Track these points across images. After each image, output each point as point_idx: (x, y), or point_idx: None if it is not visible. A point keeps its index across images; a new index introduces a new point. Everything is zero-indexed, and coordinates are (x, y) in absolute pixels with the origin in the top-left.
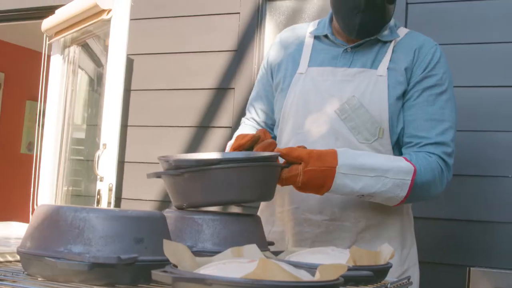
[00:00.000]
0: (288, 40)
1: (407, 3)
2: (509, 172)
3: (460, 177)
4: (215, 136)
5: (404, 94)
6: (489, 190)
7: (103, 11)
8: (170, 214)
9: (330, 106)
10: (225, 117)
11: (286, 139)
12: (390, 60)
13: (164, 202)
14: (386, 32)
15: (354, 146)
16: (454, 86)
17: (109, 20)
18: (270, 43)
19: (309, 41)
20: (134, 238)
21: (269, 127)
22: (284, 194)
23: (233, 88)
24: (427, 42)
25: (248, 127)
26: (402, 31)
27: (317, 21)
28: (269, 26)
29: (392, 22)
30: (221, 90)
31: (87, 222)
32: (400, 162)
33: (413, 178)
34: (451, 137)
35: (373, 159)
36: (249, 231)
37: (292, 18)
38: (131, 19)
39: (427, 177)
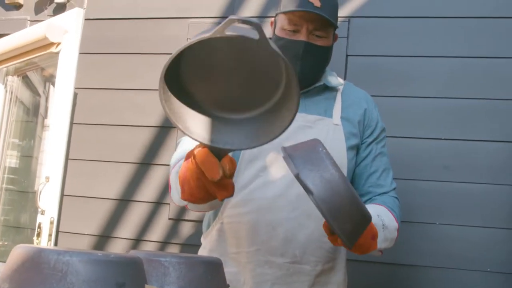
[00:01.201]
0: None
1: (347, 55)
2: (436, 220)
3: None
4: (156, 173)
5: (356, 146)
6: (417, 236)
7: (52, 44)
8: (136, 254)
9: None
10: (166, 155)
11: (245, 181)
12: (341, 111)
13: (102, 237)
14: (330, 78)
15: None
16: (388, 136)
17: (57, 53)
18: None
19: None
20: (117, 283)
21: None
22: (239, 235)
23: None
24: (368, 97)
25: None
26: (341, 81)
27: None
28: None
29: (331, 71)
30: (164, 128)
31: (70, 265)
32: None
33: (393, 214)
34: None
35: None
36: (213, 274)
37: None
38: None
39: (398, 212)
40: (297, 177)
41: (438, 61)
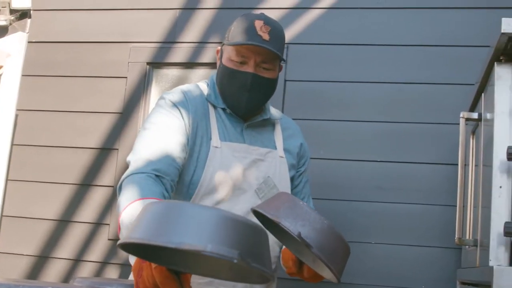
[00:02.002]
0: (196, 103)
1: (285, 80)
2: (372, 239)
3: None
4: (97, 194)
5: (293, 177)
6: (353, 255)
7: None
8: (80, 284)
9: (249, 185)
10: (107, 177)
11: None
12: (283, 142)
13: (41, 258)
14: (272, 111)
15: None
16: (325, 159)
17: None
18: None
19: (211, 109)
20: None
21: (173, 180)
22: None
23: (117, 149)
24: (299, 128)
25: (157, 187)
26: (276, 110)
27: (204, 83)
28: (155, 91)
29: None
30: (105, 150)
31: None
32: None
33: None
34: None
35: None
36: None
37: (177, 85)
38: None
39: None
40: (299, 236)
41: (373, 87)
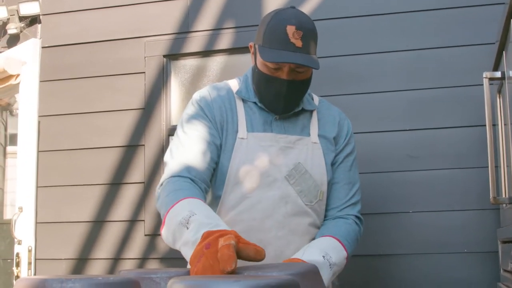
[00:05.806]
0: (221, 99)
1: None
2: (409, 208)
3: (366, 215)
4: (128, 192)
5: (332, 161)
6: (393, 226)
7: (11, 76)
8: (128, 274)
9: (279, 172)
10: (136, 174)
11: (233, 203)
12: (318, 129)
13: (81, 260)
14: (307, 102)
15: (301, 208)
16: (355, 133)
17: (17, 85)
18: (176, 100)
19: (239, 103)
20: None
21: (206, 183)
22: None
23: (143, 145)
24: (341, 114)
25: (196, 196)
26: (315, 99)
27: (236, 80)
28: (175, 84)
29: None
30: (131, 147)
31: None
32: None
33: (343, 244)
34: (360, 195)
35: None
36: None
37: (196, 75)
38: None
39: (354, 244)
40: None
41: (392, 56)
